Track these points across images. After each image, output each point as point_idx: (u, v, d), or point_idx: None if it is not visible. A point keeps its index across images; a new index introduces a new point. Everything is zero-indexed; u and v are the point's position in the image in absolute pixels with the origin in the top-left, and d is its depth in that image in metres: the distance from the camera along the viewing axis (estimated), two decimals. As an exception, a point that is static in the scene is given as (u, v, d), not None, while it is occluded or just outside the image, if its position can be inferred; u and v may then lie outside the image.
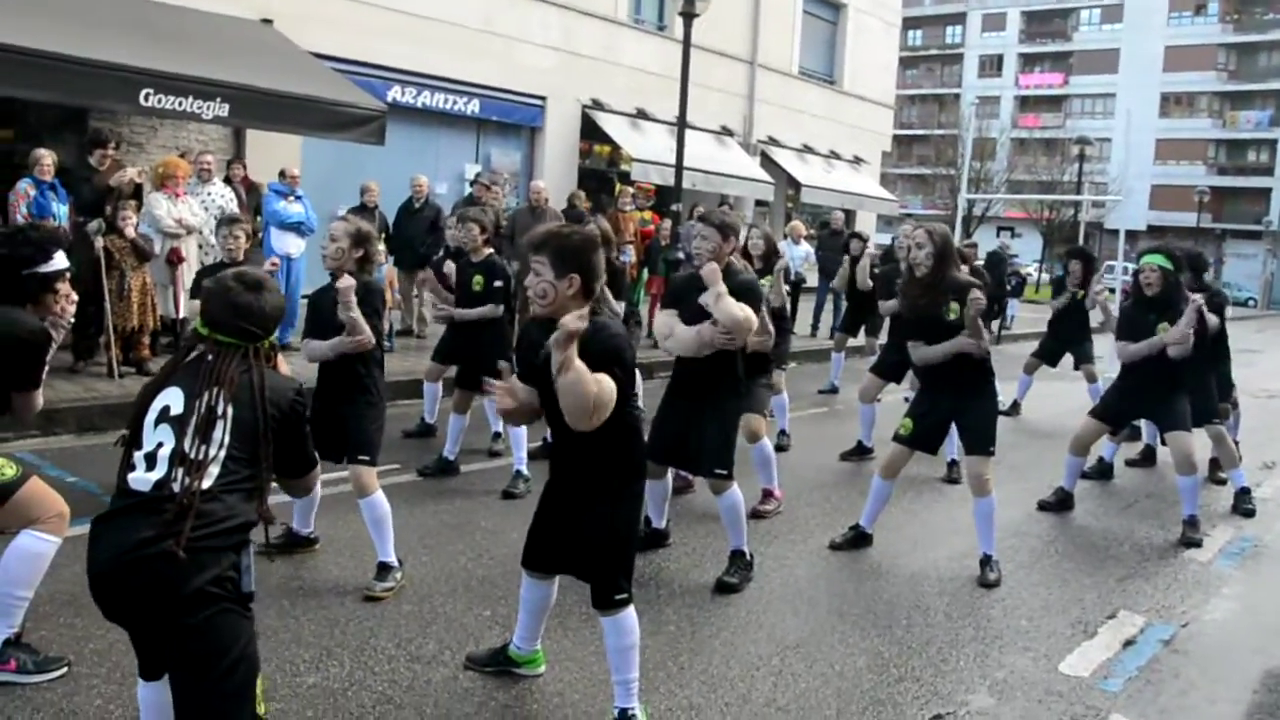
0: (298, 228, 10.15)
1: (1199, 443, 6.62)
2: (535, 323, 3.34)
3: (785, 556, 5.46)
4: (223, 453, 2.49)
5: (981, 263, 14.32)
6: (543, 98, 17.43)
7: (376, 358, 4.79)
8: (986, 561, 5.27)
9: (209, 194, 9.35)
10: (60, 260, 3.53)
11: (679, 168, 13.67)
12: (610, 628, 3.43)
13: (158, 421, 2.53)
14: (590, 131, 18.44)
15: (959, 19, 67.75)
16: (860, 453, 8.00)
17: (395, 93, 14.89)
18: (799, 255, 16.09)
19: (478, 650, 3.96)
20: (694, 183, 18.99)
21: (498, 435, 7.35)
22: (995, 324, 20.34)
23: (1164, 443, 6.65)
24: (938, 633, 4.57)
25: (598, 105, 18.31)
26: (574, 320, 2.90)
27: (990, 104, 61.28)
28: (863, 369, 8.94)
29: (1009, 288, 21.04)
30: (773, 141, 22.98)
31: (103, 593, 2.40)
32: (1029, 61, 65.38)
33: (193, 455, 2.46)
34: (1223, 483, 7.83)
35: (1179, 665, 4.44)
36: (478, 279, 6.65)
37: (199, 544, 2.37)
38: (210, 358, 2.60)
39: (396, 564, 4.65)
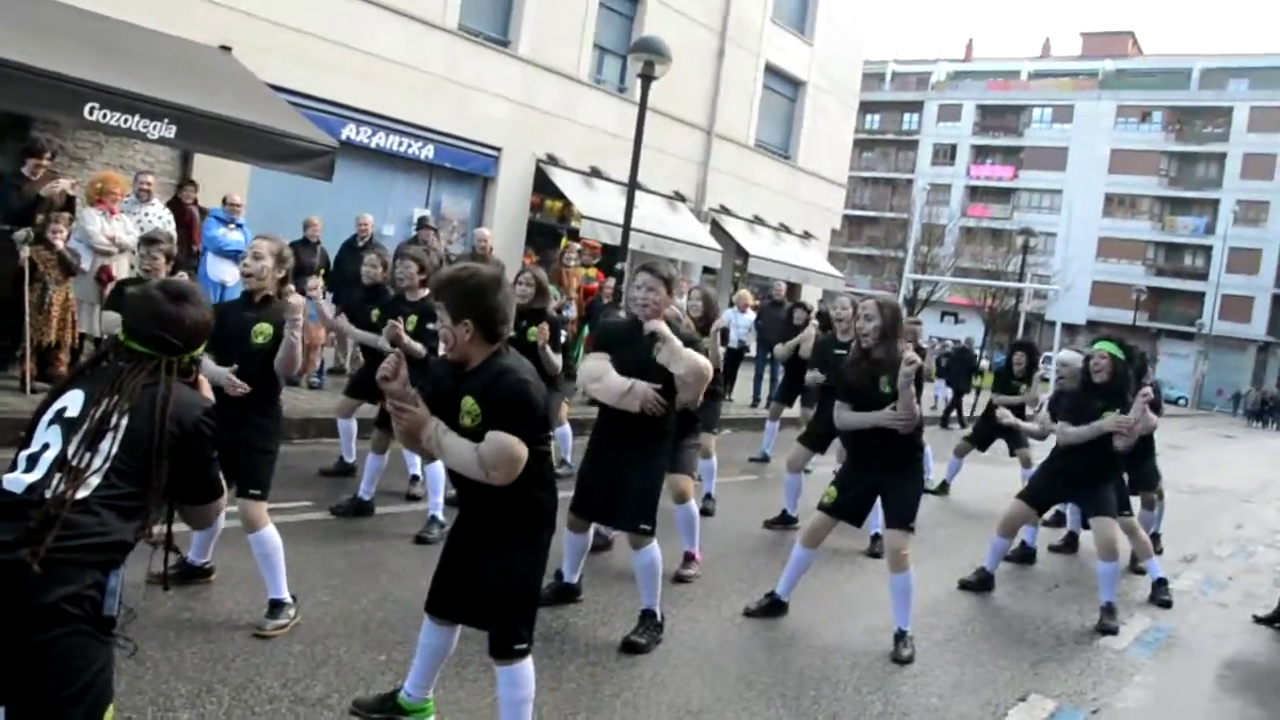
0: (236, 256, 9.97)
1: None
2: (443, 360, 3.28)
3: (697, 620, 5.35)
4: (107, 464, 2.33)
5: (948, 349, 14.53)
6: (498, 148, 17.46)
7: (275, 388, 4.67)
8: (900, 637, 5.20)
9: (146, 214, 9.17)
10: None
11: (626, 227, 13.69)
12: (505, 678, 3.30)
13: (50, 422, 2.39)
14: (543, 186, 18.49)
15: (916, 107, 69.56)
16: (785, 522, 7.94)
17: (350, 131, 14.82)
18: (744, 324, 16.19)
19: (366, 696, 3.79)
20: (643, 244, 19.07)
21: (416, 479, 7.19)
22: (954, 411, 20.59)
23: (1087, 527, 6.68)
24: (845, 706, 4.48)
25: (552, 160, 18.38)
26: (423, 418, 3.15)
27: (941, 191, 62.82)
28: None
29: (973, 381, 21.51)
30: (724, 210, 23.23)
31: None
32: (981, 153, 67.17)
33: (74, 462, 2.31)
34: (1143, 572, 7.89)
35: None
36: (412, 318, 6.54)
37: (60, 556, 2.20)
38: (120, 365, 2.48)
39: (289, 601, 4.47)
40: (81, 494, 2.28)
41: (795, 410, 11.37)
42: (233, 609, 4.58)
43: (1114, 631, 6.22)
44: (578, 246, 14.23)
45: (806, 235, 26.18)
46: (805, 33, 24.89)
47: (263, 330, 4.53)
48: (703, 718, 4.14)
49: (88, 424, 2.35)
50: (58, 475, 2.29)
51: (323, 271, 11.41)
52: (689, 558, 6.15)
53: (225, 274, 9.90)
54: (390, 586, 5.19)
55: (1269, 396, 48.31)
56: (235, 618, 4.47)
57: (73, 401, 2.41)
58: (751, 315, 16.63)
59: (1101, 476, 6.46)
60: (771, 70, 24.07)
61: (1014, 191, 65.08)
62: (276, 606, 4.41)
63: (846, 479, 5.43)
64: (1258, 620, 7.22)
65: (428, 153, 16.34)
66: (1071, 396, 6.77)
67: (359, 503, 6.51)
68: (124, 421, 2.38)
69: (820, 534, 5.49)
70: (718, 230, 22.75)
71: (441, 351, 3.21)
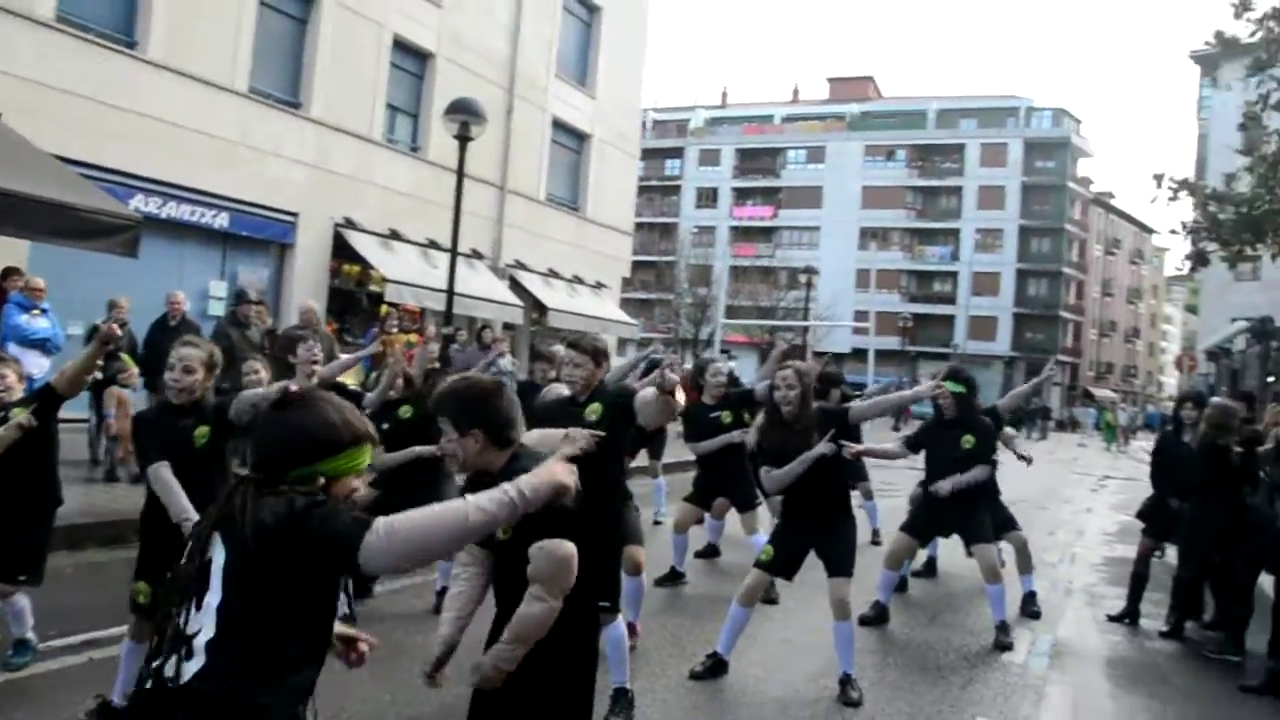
0: (43, 345, 9.11)
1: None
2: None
3: (651, 690, 5.25)
4: None
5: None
6: (294, 214, 16.79)
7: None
8: (847, 680, 5.30)
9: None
10: None
11: (450, 292, 13.51)
12: None
13: None
14: (341, 250, 17.91)
15: (678, 153, 72.11)
16: (674, 578, 7.94)
17: (138, 201, 13.83)
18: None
19: None
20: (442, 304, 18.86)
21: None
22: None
23: (970, 554, 7.04)
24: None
25: (350, 224, 17.85)
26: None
27: (707, 233, 65.29)
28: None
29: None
30: (520, 265, 23.21)
31: None
32: (742, 195, 70.32)
33: None
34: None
35: None
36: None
37: None
38: None
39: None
40: None
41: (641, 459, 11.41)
42: None
43: (1010, 647, 6.59)
44: (397, 312, 13.85)
45: (599, 285, 26.52)
46: (587, 85, 25.34)
47: (202, 433, 4.27)
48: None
49: None
50: None
51: (130, 354, 10.59)
52: (631, 629, 6.05)
53: (31, 365, 8.98)
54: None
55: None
56: None
57: None
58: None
59: (974, 504, 6.86)
60: (558, 124, 24.35)
61: (775, 230, 68.39)
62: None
63: (783, 536, 5.52)
64: (1111, 619, 7.84)
65: (222, 221, 15.51)
66: (932, 430, 7.11)
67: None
68: None
69: (758, 591, 5.55)
70: (515, 286, 22.70)
71: (455, 469, 3.03)
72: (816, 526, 5.39)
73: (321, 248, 17.49)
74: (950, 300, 62.83)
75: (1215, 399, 7.87)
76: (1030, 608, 7.68)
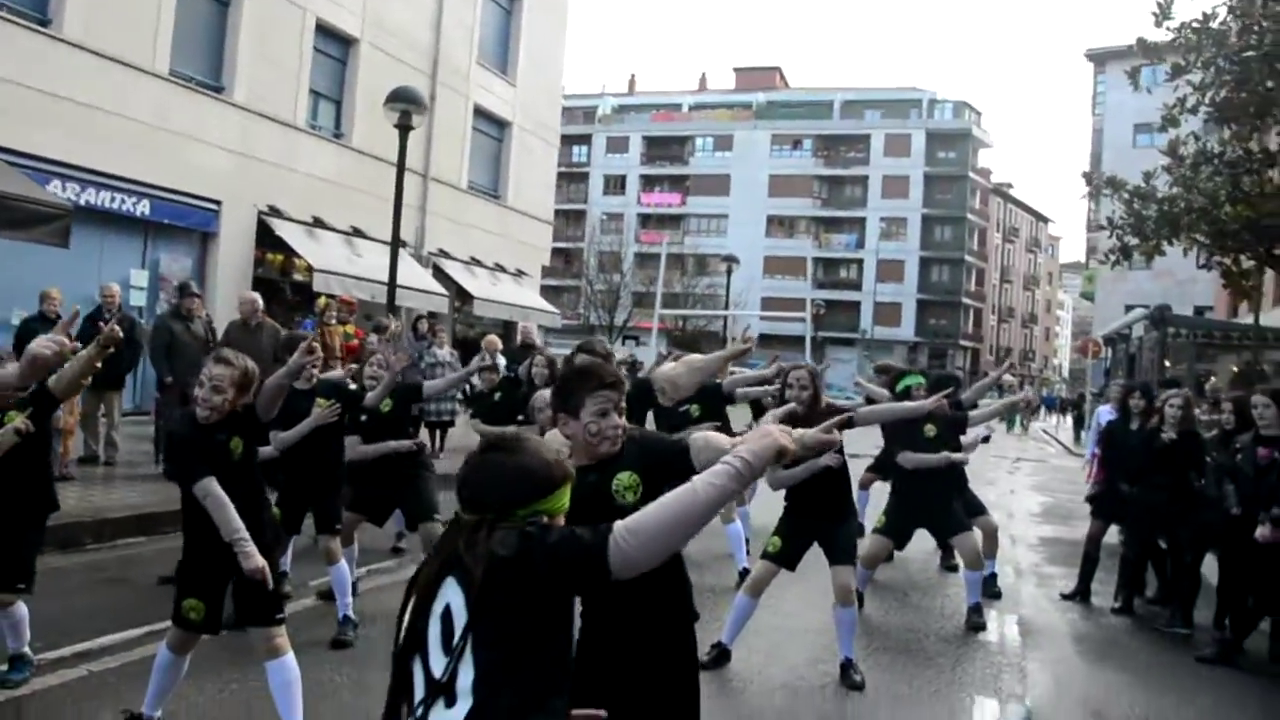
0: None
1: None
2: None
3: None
4: None
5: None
6: (218, 201, 16.32)
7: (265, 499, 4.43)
8: (849, 665, 5.45)
9: None
10: None
11: (392, 284, 13.34)
12: None
13: None
14: (265, 238, 17.48)
15: (585, 140, 71.95)
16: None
17: (55, 187, 13.29)
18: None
19: None
20: (373, 294, 18.57)
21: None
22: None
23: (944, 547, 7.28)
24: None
25: (275, 212, 17.43)
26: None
27: (616, 220, 65.35)
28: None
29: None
30: (443, 254, 22.97)
31: None
32: (650, 182, 70.55)
33: None
34: (955, 569, 8.70)
35: None
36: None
37: None
38: None
39: None
40: None
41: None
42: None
43: (983, 628, 6.85)
44: (335, 304, 13.60)
45: (520, 273, 26.41)
46: (508, 73, 25.13)
47: (236, 444, 4.15)
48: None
49: None
50: None
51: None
52: None
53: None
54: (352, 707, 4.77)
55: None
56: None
57: None
58: (501, 360, 16.55)
59: (947, 497, 7.09)
60: (480, 112, 24.11)
61: (684, 217, 68.81)
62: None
63: (789, 529, 5.65)
64: (1064, 597, 8.18)
65: (143, 208, 15.00)
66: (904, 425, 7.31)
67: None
68: None
69: (765, 582, 5.68)
70: (439, 274, 22.48)
71: (606, 447, 2.95)
72: (820, 522, 5.55)
73: (245, 236, 17.05)
74: (856, 287, 64.14)
75: (1177, 391, 8.23)
76: (991, 589, 7.95)
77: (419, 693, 2.01)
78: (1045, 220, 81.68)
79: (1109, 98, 44.52)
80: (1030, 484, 17.81)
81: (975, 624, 6.86)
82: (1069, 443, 32.30)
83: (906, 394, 6.99)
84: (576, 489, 2.91)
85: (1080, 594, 8.17)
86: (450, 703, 1.96)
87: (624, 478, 2.92)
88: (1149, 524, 7.71)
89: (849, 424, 5.63)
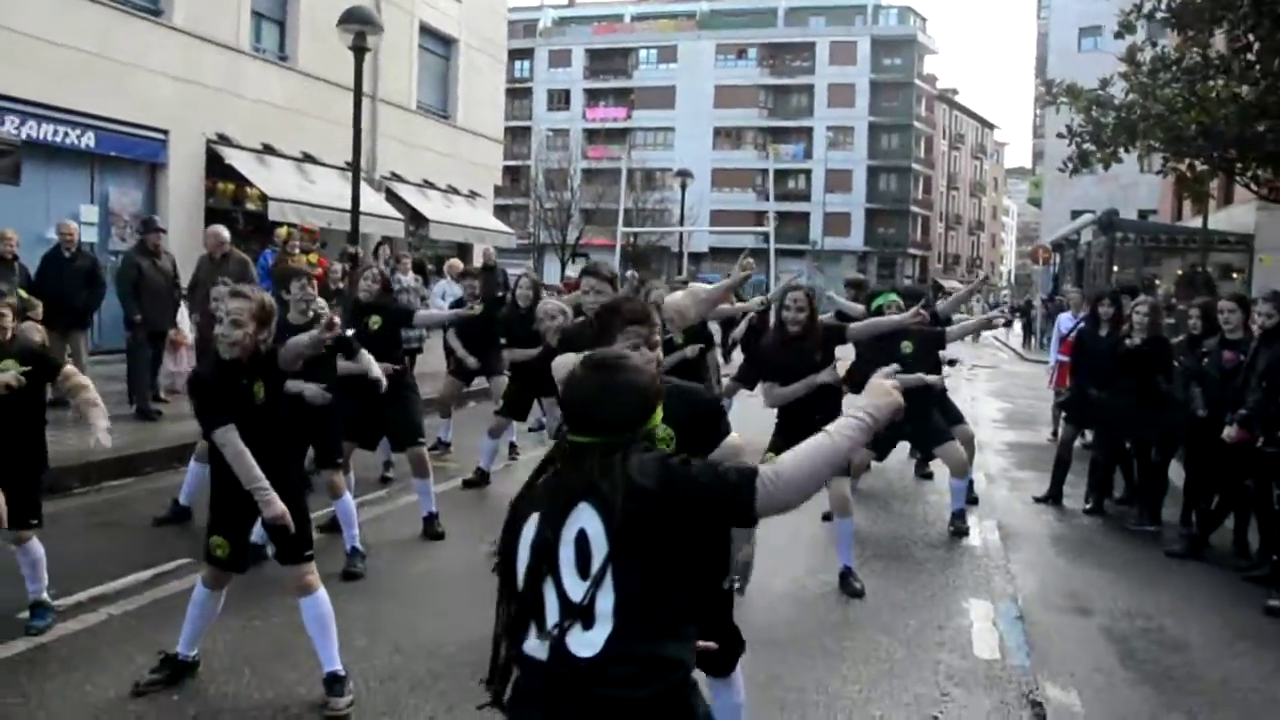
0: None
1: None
2: None
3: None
4: None
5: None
6: (165, 131, 15.87)
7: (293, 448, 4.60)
8: (848, 573, 5.67)
9: None
10: None
11: (355, 211, 13.11)
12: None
13: None
14: (216, 168, 17.08)
15: (527, 54, 70.47)
16: (481, 478, 8.26)
17: (-4, 123, 12.89)
18: (456, 293, 15.96)
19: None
20: (329, 221, 18.29)
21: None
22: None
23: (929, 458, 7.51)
24: (855, 642, 4.84)
25: (224, 140, 17.01)
26: None
27: (561, 136, 64.51)
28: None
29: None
30: (396, 177, 22.62)
31: None
32: (594, 96, 69.50)
33: None
34: (929, 476, 8.99)
35: (1049, 627, 5.28)
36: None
37: None
38: None
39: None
40: None
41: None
42: (257, 699, 4.11)
43: (966, 533, 7.14)
44: (298, 233, 13.41)
45: (473, 194, 26.10)
46: (452, -12, 24.53)
47: (258, 389, 4.11)
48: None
49: None
50: None
51: (24, 290, 9.97)
52: None
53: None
54: (395, 637, 4.87)
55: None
56: (275, 706, 4.04)
57: None
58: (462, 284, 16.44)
59: (926, 410, 7.25)
60: (426, 30, 23.55)
61: (630, 131, 68.05)
62: (337, 680, 4.03)
63: (781, 447, 5.76)
64: (1037, 500, 8.50)
65: (88, 141, 14.55)
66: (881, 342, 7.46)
67: (255, 548, 5.93)
68: None
69: None
70: (393, 198, 22.16)
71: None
72: (810, 432, 5.67)
73: (195, 166, 16.64)
74: (805, 198, 64.16)
75: (1145, 298, 8.45)
76: (969, 495, 8.22)
77: (552, 614, 2.01)
78: (991, 126, 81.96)
79: (1054, 1, 44.45)
80: (988, 390, 18.22)
81: (959, 529, 7.13)
82: (1019, 348, 32.97)
83: (880, 313, 7.14)
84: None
85: (1053, 497, 8.48)
86: (588, 625, 1.97)
87: (659, 431, 2.98)
88: (1117, 428, 8.00)
89: (843, 341, 5.83)
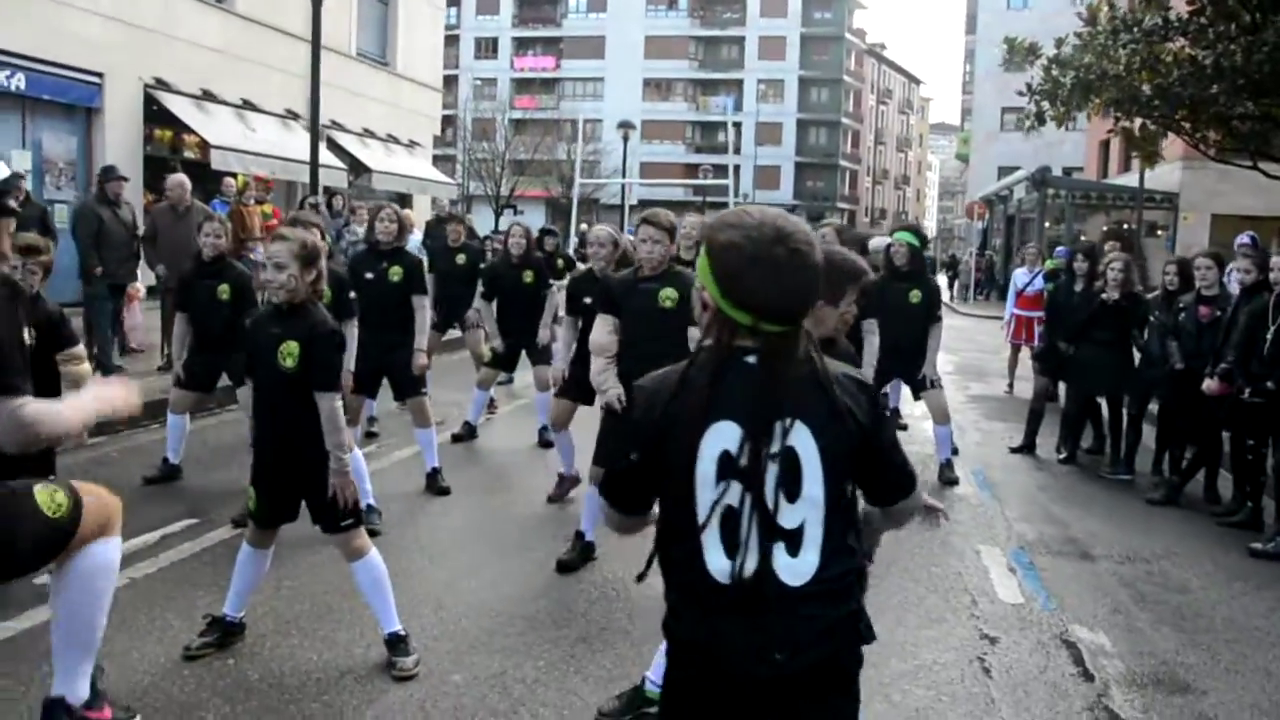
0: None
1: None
2: None
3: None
4: None
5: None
6: (99, 74, 15.23)
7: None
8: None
9: None
10: None
11: (314, 164, 12.83)
12: None
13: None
14: (154, 114, 16.48)
15: (454, 1, 68.97)
16: (469, 432, 8.29)
17: (-77, 64, 12.25)
18: (413, 244, 15.70)
19: (607, 704, 3.62)
20: (272, 170, 17.86)
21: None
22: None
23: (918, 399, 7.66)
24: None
25: (162, 85, 16.41)
26: None
27: (489, 85, 63.50)
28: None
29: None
30: (337, 125, 22.07)
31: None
32: (523, 45, 68.42)
33: None
34: (904, 428, 9.21)
35: (1059, 572, 5.47)
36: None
37: None
38: None
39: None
40: None
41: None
42: (316, 661, 4.05)
43: (956, 481, 7.33)
44: (253, 183, 13.06)
45: (412, 144, 25.63)
46: (390, -69, 23.89)
47: (290, 351, 3.81)
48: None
49: None
50: None
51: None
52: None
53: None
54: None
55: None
56: (338, 668, 3.99)
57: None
58: (418, 235, 16.20)
59: (915, 355, 7.40)
60: (365, -27, 22.94)
61: (558, 81, 67.25)
62: (400, 640, 3.97)
63: None
64: (1013, 450, 8.73)
65: (18, 83, 13.91)
66: (879, 283, 7.57)
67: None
68: None
69: None
70: (334, 147, 21.63)
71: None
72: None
73: (132, 111, 16.02)
74: (735, 150, 64.17)
75: (1119, 254, 8.67)
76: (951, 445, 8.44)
77: (751, 533, 1.82)
78: (917, 82, 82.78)
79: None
80: (932, 343, 18.53)
81: (948, 478, 7.31)
82: (949, 302, 33.60)
83: (888, 250, 7.37)
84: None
85: (1027, 447, 8.73)
86: (795, 551, 1.84)
87: (669, 293, 3.18)
88: (1093, 380, 8.24)
89: None
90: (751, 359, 1.85)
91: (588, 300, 6.01)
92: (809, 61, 64.61)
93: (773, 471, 1.82)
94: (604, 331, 4.82)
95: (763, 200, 61.21)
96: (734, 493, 1.83)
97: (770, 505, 1.83)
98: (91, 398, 2.91)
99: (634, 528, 2.11)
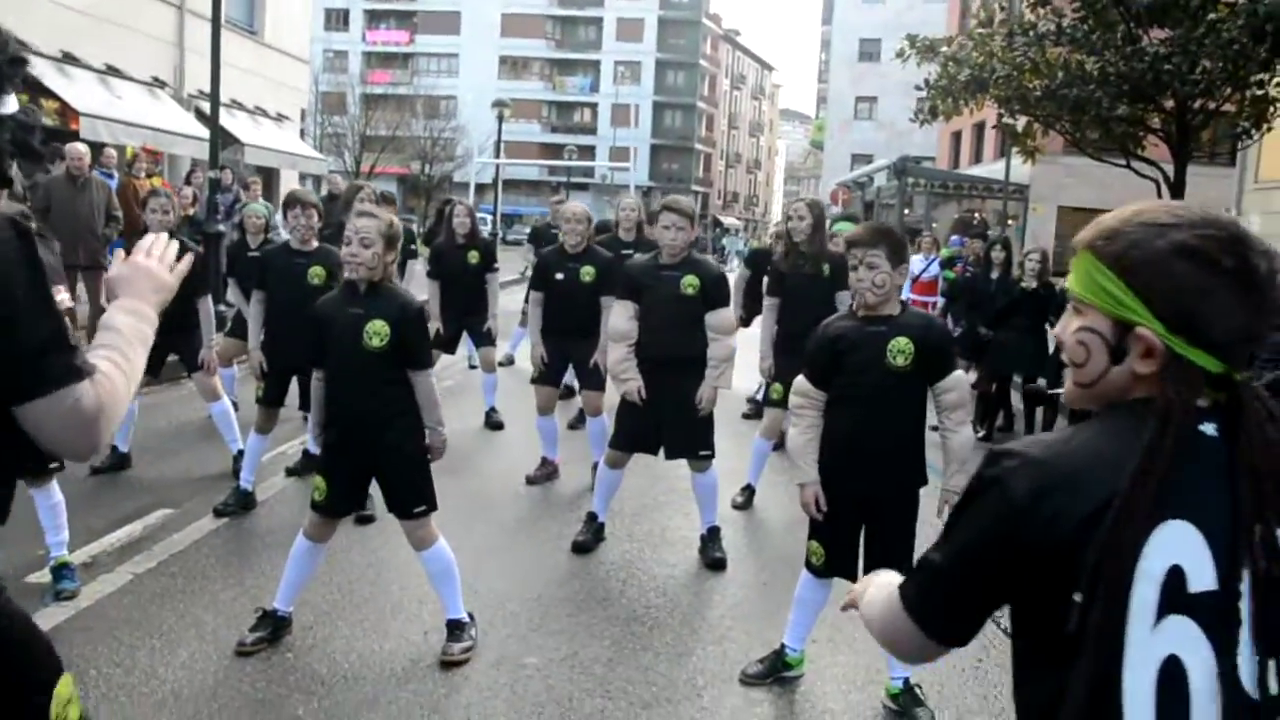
0: None
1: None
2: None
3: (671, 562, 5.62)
4: None
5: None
6: (-45, 32, 14.16)
7: (409, 392, 4.23)
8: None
9: None
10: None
11: (214, 139, 12.32)
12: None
13: None
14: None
15: (302, -32, 66.51)
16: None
17: None
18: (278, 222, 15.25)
19: (750, 667, 3.87)
20: (142, 141, 16.98)
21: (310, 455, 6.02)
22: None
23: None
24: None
25: (20, 44, 15.33)
26: None
27: (340, 59, 61.62)
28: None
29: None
30: (204, 95, 21.09)
31: None
32: (375, 18, 66.63)
33: None
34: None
35: None
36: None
37: None
38: None
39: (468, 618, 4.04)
40: None
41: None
42: (379, 651, 3.99)
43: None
44: (143, 155, 12.46)
45: (281, 117, 24.77)
46: (258, -106, 22.92)
47: (377, 330, 3.74)
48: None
49: None
50: None
51: None
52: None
53: None
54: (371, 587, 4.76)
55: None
56: (407, 656, 3.94)
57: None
58: (279, 215, 15.74)
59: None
60: (233, -63, 21.92)
61: (412, 56, 65.80)
62: (460, 627, 3.95)
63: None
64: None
65: None
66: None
67: (243, 495, 5.64)
68: None
69: (777, 425, 6.05)
70: (202, 117, 20.68)
71: (874, 299, 3.44)
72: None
73: (-10, 75, 14.95)
74: (591, 131, 64.30)
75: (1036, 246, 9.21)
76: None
77: (1211, 702, 1.19)
78: (770, 68, 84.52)
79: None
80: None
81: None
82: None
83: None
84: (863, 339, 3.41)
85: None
86: None
87: (900, 342, 3.44)
88: (1011, 363, 8.79)
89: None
90: (1211, 429, 1.25)
91: (559, 276, 6.15)
92: (666, 44, 65.17)
93: (1246, 609, 1.20)
94: (624, 317, 4.89)
95: (619, 182, 61.55)
96: (1185, 638, 1.20)
97: (1245, 663, 1.21)
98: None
99: (929, 658, 1.47)
